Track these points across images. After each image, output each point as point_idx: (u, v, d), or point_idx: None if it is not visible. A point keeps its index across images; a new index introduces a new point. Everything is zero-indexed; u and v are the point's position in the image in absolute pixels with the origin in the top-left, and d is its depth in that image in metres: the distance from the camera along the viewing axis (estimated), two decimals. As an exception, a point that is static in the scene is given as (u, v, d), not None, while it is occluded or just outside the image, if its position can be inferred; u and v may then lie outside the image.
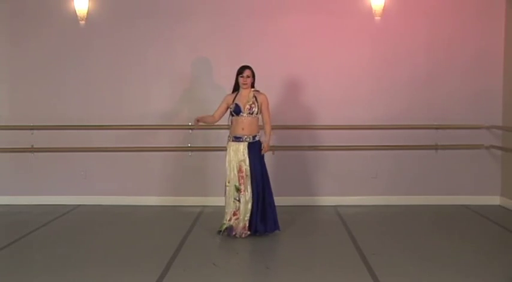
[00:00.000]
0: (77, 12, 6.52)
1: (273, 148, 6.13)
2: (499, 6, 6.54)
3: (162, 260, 4.47)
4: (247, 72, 5.23)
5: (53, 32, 6.61)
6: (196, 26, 6.55)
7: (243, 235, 5.14)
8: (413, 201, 6.58)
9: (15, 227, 5.67)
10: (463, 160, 6.65)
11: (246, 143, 5.19)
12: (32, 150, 6.68)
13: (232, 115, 5.25)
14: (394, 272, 4.21)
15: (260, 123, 5.34)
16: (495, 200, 6.65)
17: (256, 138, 5.24)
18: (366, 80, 6.58)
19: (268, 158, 5.61)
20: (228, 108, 5.30)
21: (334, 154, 6.62)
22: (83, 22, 6.56)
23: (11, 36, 6.67)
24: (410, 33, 6.56)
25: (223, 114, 5.36)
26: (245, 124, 5.21)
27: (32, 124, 6.63)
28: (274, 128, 5.60)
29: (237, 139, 5.22)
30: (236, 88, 5.34)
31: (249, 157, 5.16)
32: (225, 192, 5.27)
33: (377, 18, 6.50)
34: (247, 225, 5.16)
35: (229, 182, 5.22)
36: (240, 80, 5.24)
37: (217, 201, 6.06)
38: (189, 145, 6.60)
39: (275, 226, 5.24)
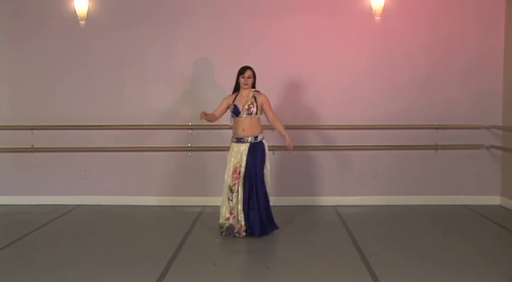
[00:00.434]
0: (77, 12, 6.52)
1: (273, 148, 6.13)
2: (499, 6, 6.54)
3: (162, 260, 4.48)
4: (248, 73, 5.23)
5: (53, 32, 6.61)
6: (197, 25, 6.55)
7: (240, 235, 5.16)
8: (413, 201, 6.58)
9: (15, 227, 5.66)
10: (463, 160, 6.65)
11: (248, 144, 5.19)
12: (32, 150, 6.68)
13: (233, 116, 5.26)
14: (394, 272, 4.22)
15: (265, 123, 5.33)
16: (495, 200, 6.65)
17: (259, 139, 5.23)
18: (365, 79, 6.58)
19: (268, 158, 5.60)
20: (228, 107, 5.30)
21: (334, 154, 6.62)
22: (83, 22, 6.56)
23: (11, 36, 6.67)
24: (410, 33, 6.56)
25: (223, 113, 5.36)
26: (245, 125, 5.20)
27: (32, 124, 6.63)
28: (274, 127, 5.58)
29: (239, 140, 5.22)
30: (237, 88, 5.34)
31: (249, 158, 5.16)
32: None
33: (377, 18, 6.50)
34: (243, 225, 5.16)
35: (225, 182, 5.24)
36: (241, 80, 5.24)
37: (217, 201, 6.02)
38: (189, 145, 6.60)
39: (271, 227, 5.25)
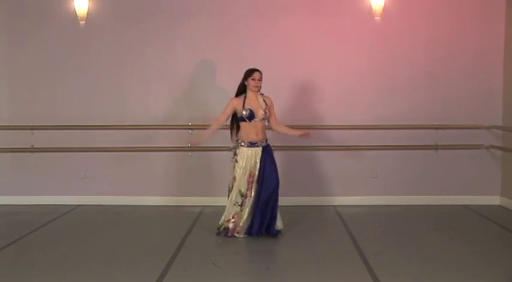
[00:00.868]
0: (77, 12, 6.52)
1: (273, 148, 6.11)
2: (499, 6, 6.54)
3: (162, 260, 4.47)
4: (258, 75, 5.14)
5: (53, 32, 6.61)
6: (198, 26, 6.55)
7: (240, 235, 5.16)
8: (413, 201, 6.58)
9: (15, 227, 5.66)
10: (463, 160, 6.65)
11: (261, 148, 5.16)
12: (32, 150, 6.68)
13: (245, 120, 5.12)
14: (394, 272, 4.21)
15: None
16: (495, 200, 6.65)
17: (267, 142, 5.24)
18: (366, 79, 6.58)
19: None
20: (233, 112, 5.19)
21: (334, 154, 6.62)
22: (83, 22, 6.56)
23: (11, 36, 6.66)
24: (410, 33, 6.56)
25: (228, 118, 5.23)
26: (259, 129, 5.15)
27: (32, 124, 6.63)
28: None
29: (252, 145, 5.14)
30: (240, 91, 5.23)
31: (264, 161, 5.11)
32: (228, 196, 5.21)
33: (377, 18, 6.50)
34: (245, 227, 5.14)
35: (234, 187, 5.14)
36: (251, 82, 5.12)
37: (217, 201, 6.06)
38: (189, 145, 6.60)
39: (276, 230, 5.20)
